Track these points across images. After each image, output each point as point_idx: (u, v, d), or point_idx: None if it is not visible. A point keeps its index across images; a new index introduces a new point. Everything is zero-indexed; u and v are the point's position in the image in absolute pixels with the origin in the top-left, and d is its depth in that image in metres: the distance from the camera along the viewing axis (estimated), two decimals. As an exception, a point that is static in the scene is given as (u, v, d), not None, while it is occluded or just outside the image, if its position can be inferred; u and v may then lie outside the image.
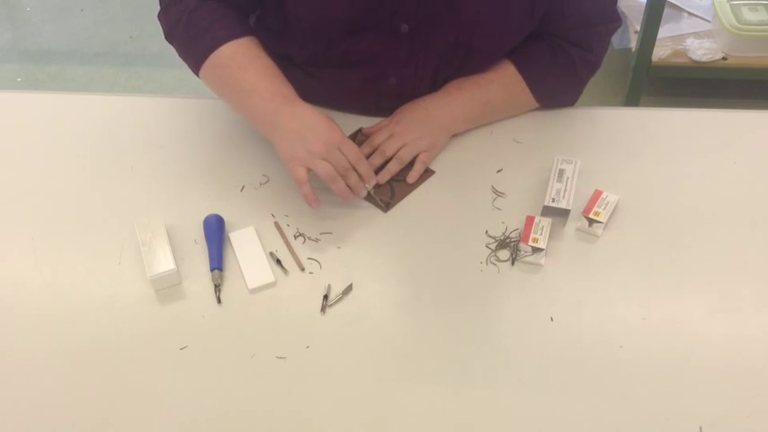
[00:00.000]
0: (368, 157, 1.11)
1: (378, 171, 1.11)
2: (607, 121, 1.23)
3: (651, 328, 0.94)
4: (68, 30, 2.97)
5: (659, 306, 0.96)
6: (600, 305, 0.97)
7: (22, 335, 0.95)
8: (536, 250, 1.00)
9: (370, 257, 1.03)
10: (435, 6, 1.05)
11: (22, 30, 3.00)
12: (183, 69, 1.12)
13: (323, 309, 0.96)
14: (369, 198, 1.09)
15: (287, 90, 1.05)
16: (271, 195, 1.11)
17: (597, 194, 1.07)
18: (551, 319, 0.95)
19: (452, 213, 1.08)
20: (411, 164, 1.13)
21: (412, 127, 1.14)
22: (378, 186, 1.10)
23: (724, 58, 2.31)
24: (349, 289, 0.98)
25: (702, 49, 2.31)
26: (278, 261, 1.02)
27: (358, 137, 1.18)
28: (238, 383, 0.89)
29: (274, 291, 0.99)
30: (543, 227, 1.02)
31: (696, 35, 2.37)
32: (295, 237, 1.05)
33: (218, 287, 0.98)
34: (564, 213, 1.05)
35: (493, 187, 1.11)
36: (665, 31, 2.32)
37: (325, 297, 0.97)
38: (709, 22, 2.41)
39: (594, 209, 1.04)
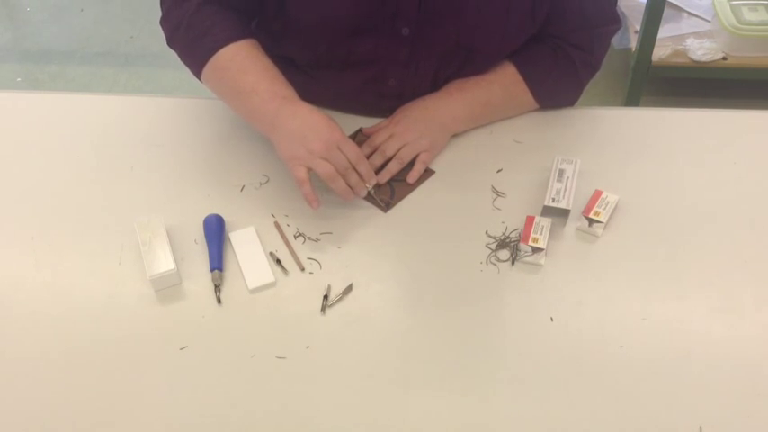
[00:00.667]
0: (368, 157, 1.11)
1: (378, 171, 1.11)
2: (607, 122, 1.23)
3: (651, 328, 0.94)
4: (68, 30, 2.97)
5: (659, 306, 0.96)
6: (600, 305, 0.97)
7: (22, 335, 0.95)
8: (536, 250, 1.00)
9: (370, 257, 1.03)
10: (436, 9, 1.05)
11: (22, 30, 3.00)
12: (183, 70, 1.12)
13: (323, 309, 0.96)
14: (369, 198, 1.09)
15: (287, 91, 1.05)
16: (271, 195, 1.11)
17: (597, 194, 1.07)
18: (551, 319, 0.95)
19: (452, 213, 1.08)
20: (411, 164, 1.13)
21: (412, 127, 1.14)
22: (378, 186, 1.10)
23: (724, 58, 2.31)
24: (349, 289, 0.98)
25: (702, 49, 2.31)
26: (278, 261, 1.02)
27: (358, 137, 1.18)
28: (238, 383, 0.89)
29: (274, 291, 0.99)
30: (543, 227, 1.02)
31: (696, 35, 2.37)
32: (295, 237, 1.05)
33: (218, 287, 0.98)
34: (564, 213, 1.05)
35: (493, 187, 1.11)
36: (665, 31, 2.32)
37: (326, 297, 0.97)
38: (709, 22, 2.41)
39: (594, 209, 1.05)
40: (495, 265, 1.01)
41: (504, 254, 1.03)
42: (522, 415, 0.86)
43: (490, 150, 1.17)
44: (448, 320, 0.96)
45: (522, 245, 1.01)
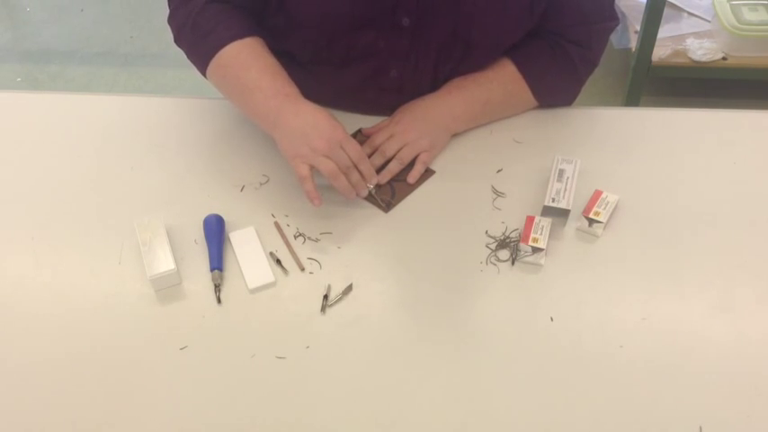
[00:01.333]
0: (368, 157, 1.11)
1: (378, 171, 1.11)
2: (607, 121, 1.23)
3: (651, 328, 0.94)
4: (68, 30, 2.97)
5: (659, 306, 0.96)
6: (600, 305, 0.97)
7: (22, 335, 0.95)
8: (536, 250, 1.00)
9: (370, 257, 1.03)
10: None
11: (22, 30, 3.00)
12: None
13: (323, 309, 0.96)
14: (369, 198, 1.09)
15: (289, 88, 1.05)
16: (271, 195, 1.11)
17: (597, 194, 1.07)
18: (551, 319, 0.95)
19: (452, 213, 1.08)
20: (411, 164, 1.13)
21: (412, 127, 1.14)
22: (378, 186, 1.10)
23: (724, 58, 2.31)
24: (349, 289, 0.98)
25: (702, 49, 2.31)
26: (278, 261, 1.02)
27: (358, 137, 1.18)
28: (238, 383, 0.89)
29: (274, 291, 0.99)
30: (543, 227, 1.02)
31: (696, 35, 2.37)
32: (295, 237, 1.05)
33: (218, 287, 0.98)
34: (564, 213, 1.05)
35: (493, 187, 1.11)
36: (665, 31, 2.32)
37: (326, 297, 0.97)
38: (709, 22, 2.41)
39: (594, 209, 1.05)
40: (495, 265, 1.01)
41: (504, 254, 1.03)
42: (523, 415, 0.86)
43: (490, 150, 1.17)
44: (448, 320, 0.96)
45: (522, 245, 1.01)
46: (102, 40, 2.92)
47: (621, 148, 1.18)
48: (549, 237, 1.02)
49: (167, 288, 0.99)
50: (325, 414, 0.87)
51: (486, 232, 1.05)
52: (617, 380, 0.89)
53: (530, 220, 1.03)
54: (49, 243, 1.05)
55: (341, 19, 1.08)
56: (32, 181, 1.14)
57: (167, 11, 1.15)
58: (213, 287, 0.99)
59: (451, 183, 1.13)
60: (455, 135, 1.18)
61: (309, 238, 1.05)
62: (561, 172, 1.09)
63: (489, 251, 1.03)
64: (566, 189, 1.07)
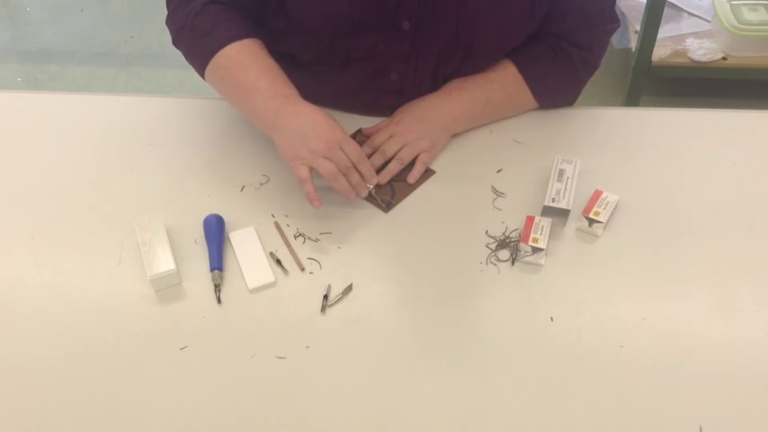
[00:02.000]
0: (368, 157, 1.11)
1: (378, 171, 1.11)
2: (607, 121, 1.23)
3: (651, 328, 0.94)
4: (68, 30, 2.97)
5: (659, 306, 0.96)
6: (600, 305, 0.97)
7: (22, 335, 0.95)
8: (536, 250, 1.00)
9: (371, 257, 1.03)
10: (436, 2, 1.05)
11: (22, 30, 3.00)
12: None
13: (323, 309, 0.96)
14: (369, 198, 1.09)
15: (288, 89, 1.05)
16: (271, 195, 1.11)
17: (597, 194, 1.07)
18: (551, 319, 0.95)
19: (452, 213, 1.08)
20: (411, 164, 1.13)
21: (412, 127, 1.14)
22: (379, 186, 1.10)
23: (724, 58, 2.31)
24: (349, 289, 0.98)
25: (702, 49, 2.31)
26: (278, 261, 1.02)
27: (358, 137, 1.18)
28: (238, 383, 0.89)
29: (274, 291, 0.99)
30: (543, 227, 1.02)
31: (696, 35, 2.37)
32: (295, 237, 1.05)
33: (218, 287, 0.98)
34: (564, 213, 1.05)
35: (493, 187, 1.11)
36: (665, 31, 2.32)
37: (326, 297, 0.97)
38: (709, 22, 2.41)
39: (594, 209, 1.05)
40: (495, 265, 1.01)
41: (504, 254, 1.03)
42: (523, 414, 0.86)
43: (490, 150, 1.17)
44: (448, 320, 0.96)
45: (522, 245, 1.01)
46: (102, 40, 2.92)
47: (621, 148, 1.18)
48: (549, 237, 1.02)
49: (167, 288, 0.99)
50: (325, 414, 0.87)
51: (486, 232, 1.05)
52: (617, 380, 0.89)
53: (530, 220, 1.03)
54: (49, 243, 1.05)
55: (341, 21, 1.08)
56: (32, 181, 1.14)
57: (167, 12, 1.15)
58: (213, 287, 0.99)
59: (451, 183, 1.13)
60: (455, 135, 1.18)
61: (309, 238, 1.05)
62: (561, 172, 1.09)
63: (489, 251, 1.03)
64: (566, 189, 1.07)
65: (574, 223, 1.06)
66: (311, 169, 1.01)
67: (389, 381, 0.90)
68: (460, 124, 1.18)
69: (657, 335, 0.93)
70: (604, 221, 1.04)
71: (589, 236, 1.05)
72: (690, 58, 2.31)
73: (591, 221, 1.04)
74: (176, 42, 1.13)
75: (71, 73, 2.78)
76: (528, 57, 1.17)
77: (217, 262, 1.00)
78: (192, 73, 1.13)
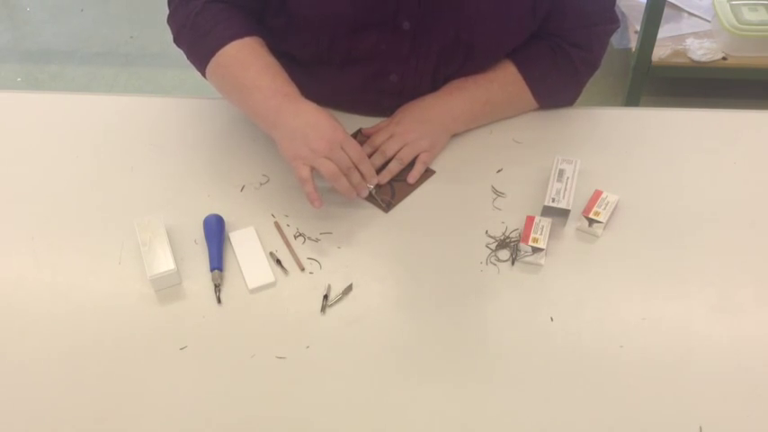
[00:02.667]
0: (368, 157, 1.11)
1: (378, 171, 1.11)
2: (607, 121, 1.23)
3: (651, 328, 0.94)
4: (68, 30, 2.97)
5: (659, 306, 0.96)
6: (600, 305, 0.97)
7: (22, 334, 0.95)
8: (536, 250, 1.00)
9: (370, 257, 1.03)
10: (437, 3, 1.05)
11: (22, 30, 3.00)
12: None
13: (323, 309, 0.96)
14: (370, 198, 1.09)
15: (289, 88, 1.05)
16: (271, 195, 1.11)
17: (597, 194, 1.07)
18: (551, 319, 0.95)
19: (452, 213, 1.08)
20: (411, 164, 1.13)
21: (412, 127, 1.14)
22: (379, 186, 1.10)
23: (724, 58, 2.31)
24: (349, 289, 0.98)
25: (702, 49, 2.31)
26: (278, 261, 1.02)
27: (358, 137, 1.18)
28: (238, 383, 0.89)
29: (274, 291, 0.99)
30: (543, 227, 1.02)
31: (696, 35, 2.37)
32: (295, 237, 1.05)
33: (218, 287, 0.98)
34: (564, 213, 1.05)
35: (493, 187, 1.11)
36: (665, 31, 2.32)
37: (326, 297, 0.97)
38: (709, 22, 2.41)
39: (594, 209, 1.05)
40: (495, 265, 1.01)
41: (504, 254, 1.03)
42: (522, 415, 0.86)
43: (490, 150, 1.17)
44: (448, 320, 0.95)
45: (522, 245, 1.01)
46: (102, 40, 2.92)
47: (621, 148, 1.18)
48: (549, 237, 1.02)
49: (167, 288, 0.99)
50: (325, 414, 0.87)
51: (486, 232, 1.05)
52: (617, 380, 0.89)
53: (530, 220, 1.03)
54: (49, 243, 1.05)
55: (342, 21, 1.08)
56: (32, 181, 1.14)
57: (167, 11, 1.15)
58: (213, 287, 0.99)
59: (451, 183, 1.13)
60: (455, 135, 1.18)
61: (309, 238, 1.05)
62: (561, 172, 1.09)
63: (489, 251, 1.03)
64: (566, 189, 1.07)
65: (574, 223, 1.06)
66: (312, 169, 1.01)
67: (389, 380, 0.90)
68: (460, 124, 1.18)
69: (657, 335, 0.93)
70: (604, 221, 1.04)
71: (589, 236, 1.05)
72: (690, 58, 2.31)
73: (591, 221, 1.04)
74: (177, 41, 1.13)
75: (71, 73, 2.78)
76: (528, 57, 1.17)
77: (217, 262, 1.00)
78: (192, 73, 1.13)
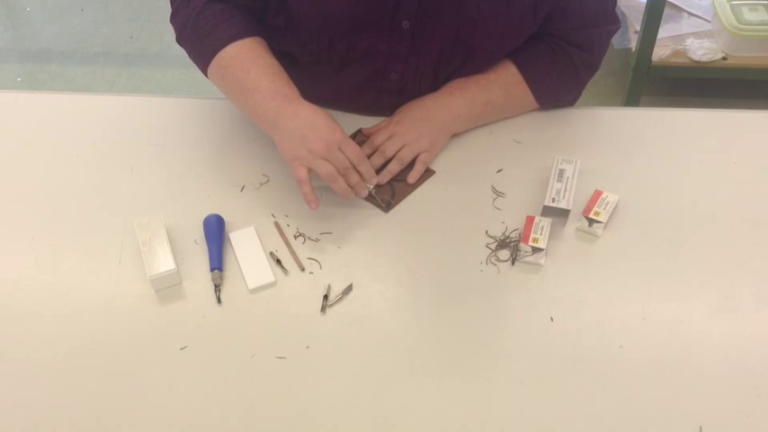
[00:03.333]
0: (368, 157, 1.11)
1: (378, 171, 1.11)
2: (607, 121, 1.23)
3: (651, 328, 0.94)
4: (68, 30, 2.97)
5: (659, 306, 0.96)
6: (600, 305, 0.97)
7: (22, 335, 0.95)
8: (536, 250, 1.00)
9: (370, 257, 1.03)
10: (436, 2, 1.05)
11: (22, 30, 3.00)
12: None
13: (323, 309, 0.96)
14: (370, 198, 1.09)
15: (288, 89, 1.05)
16: (271, 195, 1.11)
17: (597, 194, 1.07)
18: (551, 319, 0.95)
19: (452, 213, 1.08)
20: (411, 164, 1.13)
21: (412, 127, 1.14)
22: (378, 186, 1.10)
23: (724, 58, 2.31)
24: (349, 289, 0.98)
25: (702, 49, 2.31)
26: (278, 261, 1.02)
27: (358, 137, 1.18)
28: (238, 383, 0.89)
29: (274, 291, 0.99)
30: (543, 227, 1.02)
31: (696, 35, 2.37)
32: (295, 237, 1.05)
33: (218, 287, 0.98)
34: (564, 213, 1.05)
35: (493, 187, 1.11)
36: (665, 31, 2.32)
37: (326, 297, 0.97)
38: (709, 22, 2.41)
39: (594, 209, 1.05)
40: (495, 265, 1.01)
41: (504, 254, 1.03)
42: (523, 415, 0.86)
43: (490, 150, 1.17)
44: (448, 320, 0.96)
45: (522, 245, 1.01)
46: (102, 40, 2.92)
47: (621, 148, 1.18)
48: (549, 237, 1.02)
49: (167, 288, 0.99)
50: (325, 414, 0.87)
51: (486, 232, 1.05)
52: (617, 380, 0.89)
53: (530, 220, 1.03)
54: (49, 243, 1.05)
55: (341, 20, 1.08)
56: (32, 181, 1.14)
57: (168, 11, 1.15)
58: (213, 287, 0.99)
59: (451, 183, 1.13)
60: (455, 135, 1.18)
61: (309, 238, 1.05)
62: (561, 172, 1.09)
63: (489, 251, 1.03)
64: (566, 189, 1.07)
65: (574, 223, 1.06)
66: (310, 170, 1.01)
67: (389, 380, 0.90)
68: (461, 124, 1.18)
69: (657, 335, 0.93)
70: (604, 221, 1.04)
71: (589, 236, 1.05)
72: (690, 58, 2.31)
73: (591, 221, 1.04)
74: (179, 40, 1.14)
75: (71, 73, 2.78)
76: (528, 57, 1.17)
77: (217, 262, 1.00)
78: (192, 73, 1.13)
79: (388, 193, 1.11)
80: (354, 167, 1.03)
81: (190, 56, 1.13)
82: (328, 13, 1.07)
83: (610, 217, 1.05)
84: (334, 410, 0.87)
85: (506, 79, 1.17)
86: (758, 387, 0.88)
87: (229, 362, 0.91)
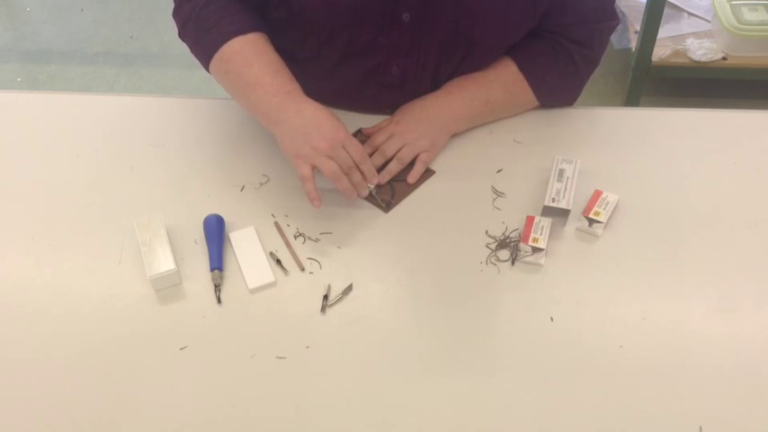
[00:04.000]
0: (368, 157, 1.11)
1: (378, 171, 1.11)
2: (607, 121, 1.23)
3: (651, 328, 0.94)
4: (68, 30, 2.97)
5: (659, 306, 0.96)
6: (600, 305, 0.97)
7: (22, 335, 0.95)
8: (536, 250, 1.00)
9: (370, 257, 1.03)
10: None
11: (22, 30, 3.00)
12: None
13: (323, 309, 0.96)
14: (370, 198, 1.09)
15: (291, 86, 1.05)
16: (271, 195, 1.11)
17: (597, 194, 1.07)
18: (551, 319, 0.95)
19: (452, 213, 1.08)
20: (412, 164, 1.13)
21: (412, 127, 1.14)
22: (378, 186, 1.10)
23: (724, 58, 2.31)
24: (349, 289, 0.98)
25: (702, 49, 2.31)
26: (278, 261, 1.02)
27: (358, 137, 1.18)
28: (238, 383, 0.90)
29: (274, 291, 0.99)
30: (543, 227, 1.02)
31: (696, 35, 2.37)
32: (295, 237, 1.05)
33: (218, 287, 0.98)
34: (564, 213, 1.05)
35: (493, 187, 1.11)
36: (665, 31, 2.32)
37: (326, 297, 0.97)
38: (709, 22, 2.41)
39: (594, 209, 1.05)
40: (495, 265, 1.01)
41: (504, 254, 1.03)
42: (522, 414, 0.86)
43: (490, 150, 1.17)
44: (448, 320, 0.95)
45: (522, 245, 1.01)
46: (102, 40, 2.92)
47: (621, 148, 1.18)
48: (549, 237, 1.02)
49: (167, 288, 0.99)
50: (325, 414, 0.87)
51: (486, 232, 1.05)
52: (617, 380, 0.89)
53: (530, 220, 1.03)
54: (49, 243, 1.05)
55: (341, 12, 1.07)
56: (32, 181, 1.14)
57: (169, 10, 1.14)
58: (213, 287, 0.99)
59: (451, 183, 1.13)
60: (455, 135, 1.18)
61: (309, 238, 1.05)
62: (561, 172, 1.09)
63: (489, 251, 1.03)
64: (566, 189, 1.07)
65: (574, 223, 1.06)
66: (313, 168, 1.01)
67: (389, 380, 0.90)
68: (461, 124, 1.18)
69: (657, 335, 0.93)
70: (604, 221, 1.04)
71: (589, 236, 1.05)
72: (690, 58, 2.31)
73: (591, 221, 1.04)
74: (182, 35, 1.13)
75: (71, 73, 2.78)
76: (528, 55, 1.17)
77: (217, 262, 1.00)
78: (192, 73, 1.13)
79: (388, 193, 1.11)
80: (357, 166, 1.03)
81: (192, 51, 1.13)
82: (329, 6, 1.07)
83: (610, 217, 1.05)
84: (334, 410, 0.87)
85: (506, 77, 1.17)
86: (758, 387, 0.88)
87: (229, 362, 0.91)
